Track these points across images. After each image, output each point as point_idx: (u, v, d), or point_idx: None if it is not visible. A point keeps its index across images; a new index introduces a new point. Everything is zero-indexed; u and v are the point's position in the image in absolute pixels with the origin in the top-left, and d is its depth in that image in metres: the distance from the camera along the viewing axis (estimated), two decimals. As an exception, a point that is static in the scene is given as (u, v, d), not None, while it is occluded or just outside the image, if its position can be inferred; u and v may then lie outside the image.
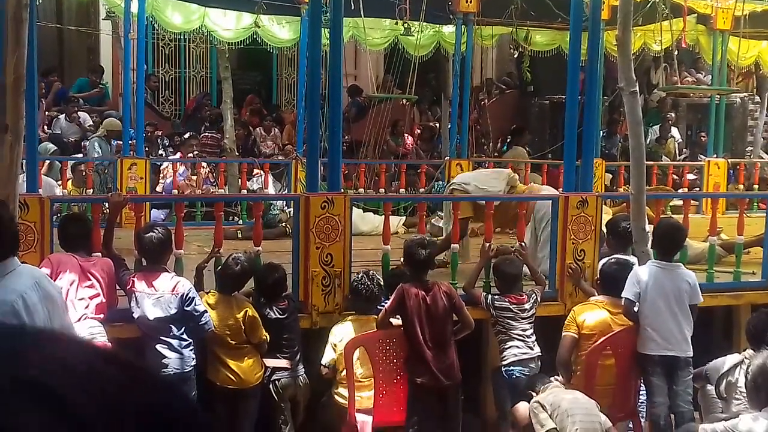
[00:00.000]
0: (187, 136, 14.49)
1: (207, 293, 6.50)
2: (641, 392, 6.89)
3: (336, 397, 6.63)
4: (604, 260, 7.19)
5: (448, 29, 14.98)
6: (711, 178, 14.44)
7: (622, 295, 6.58)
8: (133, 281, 6.21)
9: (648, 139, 15.37)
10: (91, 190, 12.06)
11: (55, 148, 13.81)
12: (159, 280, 6.18)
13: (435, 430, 6.36)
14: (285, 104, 17.63)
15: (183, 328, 6.18)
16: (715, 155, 14.95)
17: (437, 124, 17.39)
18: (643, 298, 6.53)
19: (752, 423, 5.06)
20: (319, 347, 6.67)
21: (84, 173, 12.23)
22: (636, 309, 6.54)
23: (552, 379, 6.42)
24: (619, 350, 6.66)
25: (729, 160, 15.28)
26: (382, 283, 6.83)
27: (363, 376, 6.51)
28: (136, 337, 6.23)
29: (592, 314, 6.60)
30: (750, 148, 18.04)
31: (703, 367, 6.48)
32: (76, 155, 13.42)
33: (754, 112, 18.27)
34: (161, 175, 13.20)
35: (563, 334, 6.59)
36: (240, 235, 10.08)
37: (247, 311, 6.37)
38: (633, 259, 7.04)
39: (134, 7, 12.15)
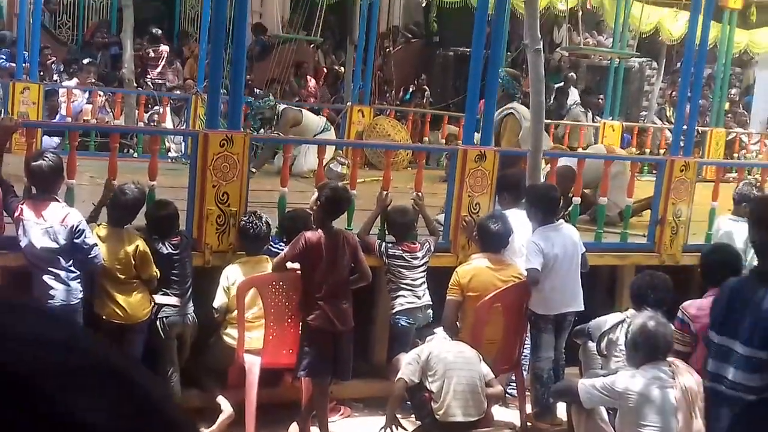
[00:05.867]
0: (86, 62, 14.11)
1: (98, 225, 6.37)
2: (525, 345, 7.06)
3: (225, 337, 6.58)
4: (481, 217, 7.26)
5: (357, -28, 14.87)
6: (605, 140, 14.71)
7: (528, 267, 6.68)
8: (22, 209, 6.02)
9: (549, 99, 15.53)
10: (-20, 113, 11.65)
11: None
12: (48, 209, 6.02)
13: (326, 373, 6.36)
14: (187, 37, 17.25)
15: (71, 260, 6.04)
16: (611, 117, 15.24)
17: (342, 68, 17.29)
18: (545, 264, 6.67)
19: (629, 380, 5.23)
20: (211, 286, 6.60)
21: (-28, 95, 11.79)
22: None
23: (435, 331, 6.50)
24: (508, 305, 6.79)
25: (623, 123, 15.60)
26: (269, 222, 6.79)
27: (254, 316, 6.46)
28: (22, 266, 6.09)
29: (475, 275, 6.68)
30: (644, 113, 18.44)
31: (585, 324, 6.63)
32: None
33: (651, 77, 18.65)
34: (62, 101, 12.84)
35: (447, 297, 6.66)
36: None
37: (138, 245, 6.27)
38: (522, 213, 7.12)
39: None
